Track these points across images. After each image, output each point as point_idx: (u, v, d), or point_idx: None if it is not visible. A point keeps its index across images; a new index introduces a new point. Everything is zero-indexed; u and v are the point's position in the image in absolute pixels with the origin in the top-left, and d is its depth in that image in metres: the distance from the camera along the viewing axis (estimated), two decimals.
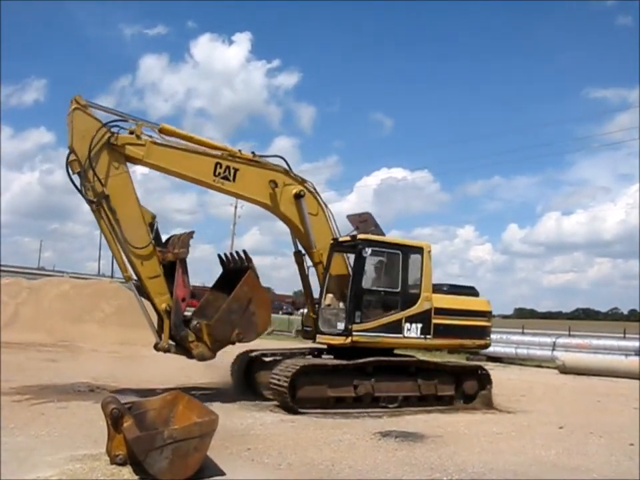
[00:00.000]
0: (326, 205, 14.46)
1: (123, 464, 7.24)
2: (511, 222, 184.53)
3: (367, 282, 13.49)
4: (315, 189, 14.32)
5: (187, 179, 13.21)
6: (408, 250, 13.92)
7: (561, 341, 28.77)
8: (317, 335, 14.01)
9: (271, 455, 8.65)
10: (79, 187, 11.90)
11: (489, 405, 13.94)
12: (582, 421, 12.94)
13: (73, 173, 11.92)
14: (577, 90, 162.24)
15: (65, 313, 27.97)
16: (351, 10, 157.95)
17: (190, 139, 13.07)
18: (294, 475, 7.82)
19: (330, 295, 13.96)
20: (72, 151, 11.83)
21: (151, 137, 12.60)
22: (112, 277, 66.02)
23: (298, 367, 12.31)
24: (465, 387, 13.91)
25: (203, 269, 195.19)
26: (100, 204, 11.85)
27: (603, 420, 13.31)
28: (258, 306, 12.73)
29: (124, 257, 12.28)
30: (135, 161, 12.47)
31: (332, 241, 14.26)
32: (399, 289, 13.60)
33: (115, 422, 7.17)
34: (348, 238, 14.09)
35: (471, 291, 15.10)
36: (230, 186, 13.24)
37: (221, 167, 13.05)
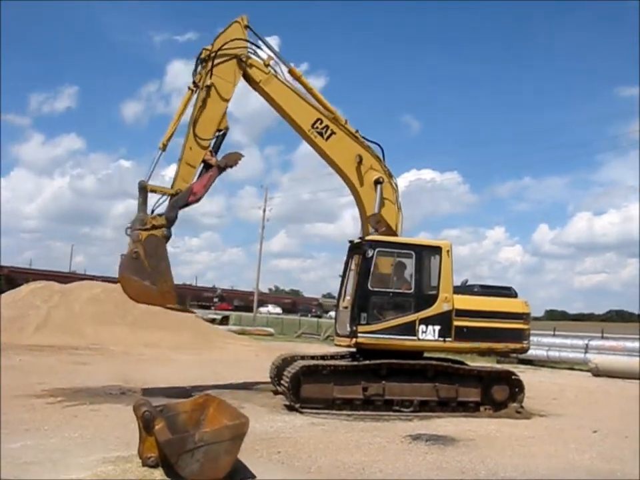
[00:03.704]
0: (400, 208, 14.63)
1: (154, 466, 7.26)
2: (541, 222, 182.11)
3: (374, 283, 13.26)
4: (396, 186, 14.78)
5: (287, 119, 14.47)
6: (423, 250, 13.67)
7: (593, 343, 28.33)
8: (335, 338, 14.04)
9: (301, 458, 8.64)
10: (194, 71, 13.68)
11: (520, 415, 13.25)
12: (616, 425, 12.69)
13: (198, 57, 13.61)
14: (607, 89, 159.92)
15: (96, 316, 28.22)
16: (378, 12, 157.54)
17: (309, 90, 14.65)
18: (324, 478, 7.81)
19: (348, 298, 13.90)
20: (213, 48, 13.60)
21: (276, 72, 14.28)
22: None
23: (299, 367, 12.38)
24: (493, 393, 13.38)
25: (232, 273, 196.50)
26: (197, 89, 13.45)
27: (638, 424, 13.05)
28: None
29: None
30: (253, 82, 14.15)
31: (349, 244, 14.42)
32: (412, 290, 13.43)
33: (146, 424, 7.19)
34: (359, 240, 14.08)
35: (506, 292, 14.48)
36: (321, 142, 14.26)
37: (320, 123, 14.23)
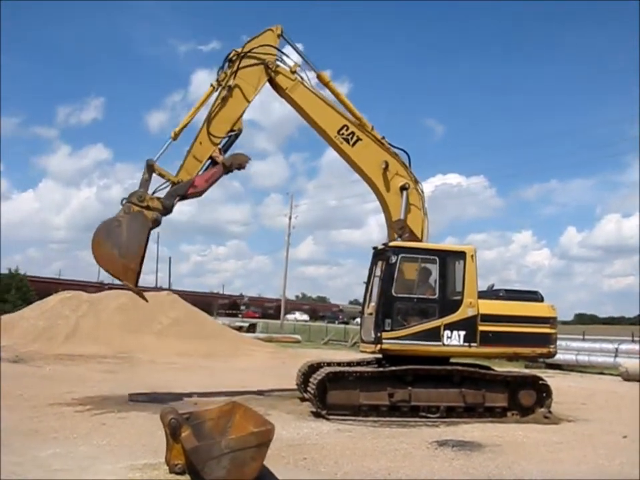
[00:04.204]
0: (426, 214, 14.66)
1: (181, 473, 7.34)
2: (568, 225, 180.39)
3: (398, 289, 13.26)
4: (422, 191, 14.80)
5: (313, 125, 14.68)
6: (447, 255, 13.67)
7: (623, 347, 27.93)
8: (361, 344, 14.06)
9: (327, 464, 8.68)
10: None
11: (548, 420, 13.11)
12: None
13: (227, 57, 14.02)
14: (630, 89, 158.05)
15: (124, 325, 28.44)
16: (401, 17, 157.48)
17: (337, 96, 14.82)
18: None
19: (373, 304, 13.90)
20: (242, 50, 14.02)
21: (302, 79, 14.43)
22: (169, 288, 67.26)
23: (325, 374, 12.42)
24: (521, 398, 13.25)
25: (259, 280, 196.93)
26: (219, 87, 13.80)
27: None
28: None
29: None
30: (279, 89, 14.42)
31: (373, 250, 14.48)
32: (436, 296, 13.41)
33: (173, 432, 7.27)
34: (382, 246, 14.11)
35: (532, 296, 14.36)
36: (347, 148, 14.41)
37: (347, 129, 14.37)
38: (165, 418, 7.48)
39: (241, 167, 13.83)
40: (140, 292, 13.51)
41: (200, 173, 13.62)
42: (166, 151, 13.58)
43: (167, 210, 13.27)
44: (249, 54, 13.97)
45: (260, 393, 15.17)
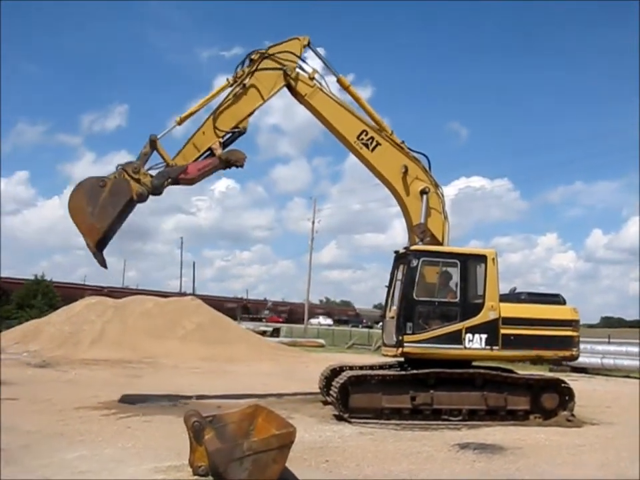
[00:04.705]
0: (446, 217, 14.70)
1: (204, 475, 7.46)
2: (594, 227, 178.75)
3: (420, 293, 13.31)
4: (442, 195, 14.85)
5: (332, 131, 14.78)
6: (468, 259, 13.69)
7: None
8: (383, 348, 14.11)
9: (349, 467, 8.74)
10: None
11: (571, 423, 13.05)
12: None
13: (248, 55, 14.23)
14: None
15: (148, 331, 28.69)
16: (422, 21, 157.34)
17: (357, 100, 14.99)
18: None
19: (394, 308, 13.95)
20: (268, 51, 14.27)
21: (321, 84, 14.53)
22: (193, 294, 67.60)
23: (347, 377, 12.49)
24: (543, 401, 13.22)
25: (283, 285, 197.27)
26: (236, 82, 13.97)
27: None
28: None
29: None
30: (298, 96, 14.54)
31: (394, 254, 14.54)
32: (457, 299, 13.44)
33: (196, 434, 7.40)
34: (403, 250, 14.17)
35: (554, 299, 14.33)
36: (366, 153, 14.47)
37: (366, 135, 14.44)
38: (189, 421, 7.61)
39: (237, 163, 13.82)
40: (99, 255, 13.36)
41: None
42: (166, 136, 13.90)
43: (155, 189, 13.33)
44: (270, 57, 14.13)
45: (281, 395, 15.28)
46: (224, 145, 13.89)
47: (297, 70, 14.36)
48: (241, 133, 14.18)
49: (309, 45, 14.54)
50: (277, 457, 7.17)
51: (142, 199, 13.31)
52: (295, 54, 14.35)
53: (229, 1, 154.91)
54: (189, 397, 14.47)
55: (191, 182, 13.78)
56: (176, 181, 13.50)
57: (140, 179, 13.18)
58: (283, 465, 7.33)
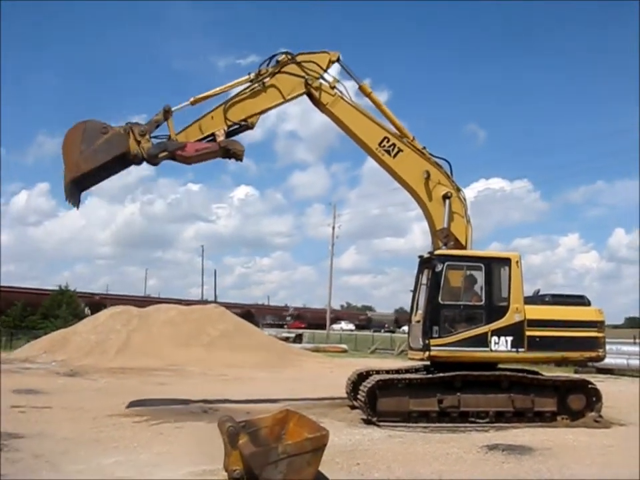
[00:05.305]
0: (469, 221, 14.80)
1: (239, 478, 7.56)
2: (616, 227, 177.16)
3: (445, 296, 13.42)
4: (465, 199, 14.93)
5: (354, 138, 14.90)
6: (492, 262, 13.79)
7: None
8: (409, 351, 14.22)
9: (380, 469, 8.88)
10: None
11: (599, 424, 13.08)
12: None
13: (275, 55, 14.45)
14: None
15: (173, 338, 28.96)
16: (437, 24, 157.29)
17: (378, 106, 15.18)
18: None
19: (420, 312, 14.07)
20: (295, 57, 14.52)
21: (342, 93, 14.69)
22: (215, 301, 67.85)
23: (375, 382, 12.63)
24: (570, 402, 13.28)
25: (303, 290, 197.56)
26: (257, 78, 14.19)
27: None
28: None
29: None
30: (320, 105, 14.71)
31: (418, 259, 14.69)
32: (482, 302, 13.53)
33: (231, 439, 7.55)
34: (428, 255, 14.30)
35: (579, 301, 14.39)
36: (388, 160, 14.61)
37: (388, 141, 14.59)
38: (223, 426, 7.77)
39: (236, 155, 13.95)
40: (72, 192, 13.47)
41: None
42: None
43: (150, 157, 13.50)
44: (297, 63, 14.38)
45: (308, 400, 15.41)
46: (227, 135, 14.03)
47: (319, 81, 14.48)
48: (247, 128, 14.39)
49: (338, 60, 14.71)
50: (311, 460, 7.33)
51: (135, 160, 13.55)
52: (320, 67, 14.50)
53: (243, 8, 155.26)
54: (204, 401, 14.82)
55: (187, 160, 13.95)
56: (173, 156, 13.66)
57: (141, 141, 13.40)
58: (316, 468, 7.48)
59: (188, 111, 14.25)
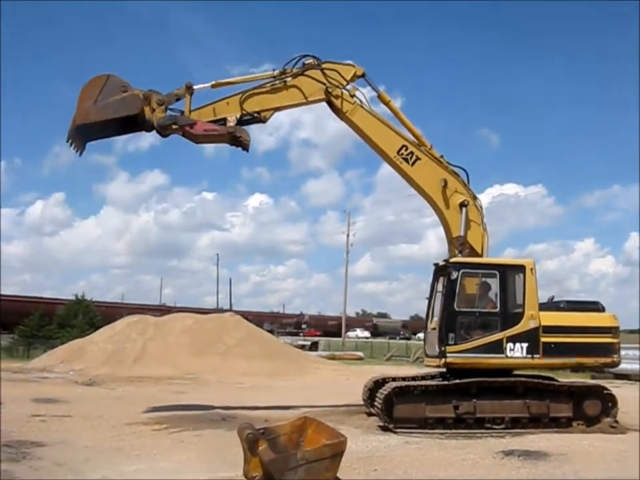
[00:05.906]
0: (485, 230, 14.91)
1: None
2: (632, 231, 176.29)
3: (460, 304, 13.53)
4: (481, 207, 15.07)
5: (373, 146, 15.08)
6: (507, 269, 13.90)
7: None
8: (425, 359, 14.33)
9: (397, 475, 9.00)
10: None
11: (615, 429, 13.12)
12: None
13: (302, 56, 14.72)
14: None
15: (189, 347, 29.05)
16: (449, 29, 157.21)
17: (396, 114, 15.36)
18: None
19: (436, 319, 14.18)
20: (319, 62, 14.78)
21: (361, 101, 14.88)
22: (230, 309, 68.02)
23: (392, 389, 12.75)
24: (586, 408, 13.31)
25: (319, 298, 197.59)
26: (279, 77, 14.43)
27: None
28: None
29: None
30: (339, 112, 14.88)
31: (434, 266, 14.78)
32: (497, 309, 13.62)
33: (251, 446, 7.66)
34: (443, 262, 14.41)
35: (593, 307, 14.45)
36: (406, 167, 14.72)
37: (406, 150, 14.70)
38: (243, 433, 7.88)
39: (242, 144, 14.15)
40: (76, 137, 13.81)
41: None
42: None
43: (160, 127, 13.75)
44: (322, 70, 14.58)
45: (325, 407, 15.48)
46: (238, 123, 14.22)
47: (340, 90, 14.66)
48: (260, 121, 14.60)
49: (363, 76, 14.89)
50: (329, 466, 7.45)
51: (145, 126, 13.87)
52: (343, 77, 14.68)
53: (258, 15, 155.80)
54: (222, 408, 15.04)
55: (194, 138, 14.14)
56: (182, 132, 13.84)
57: (157, 111, 13.67)
58: (335, 474, 7.60)
59: (206, 95, 14.60)
